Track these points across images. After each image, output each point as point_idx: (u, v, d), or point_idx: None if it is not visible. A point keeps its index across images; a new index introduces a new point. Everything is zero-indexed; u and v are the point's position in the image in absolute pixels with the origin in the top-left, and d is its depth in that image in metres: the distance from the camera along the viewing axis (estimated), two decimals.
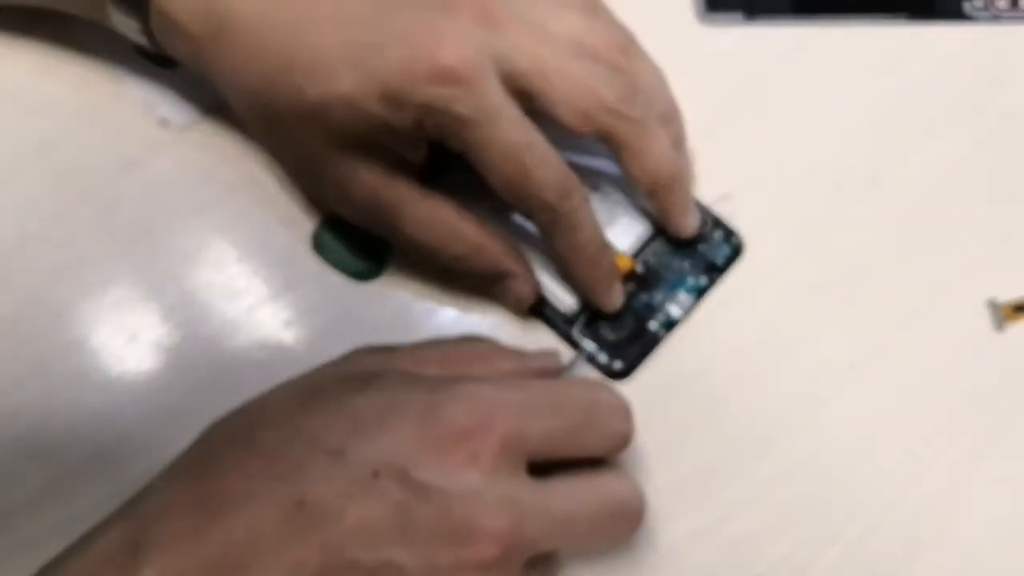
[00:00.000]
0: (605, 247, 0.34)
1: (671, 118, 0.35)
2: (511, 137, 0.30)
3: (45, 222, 0.36)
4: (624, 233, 0.36)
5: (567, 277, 0.35)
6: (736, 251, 0.36)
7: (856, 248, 0.37)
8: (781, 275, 0.36)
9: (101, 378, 0.34)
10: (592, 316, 0.35)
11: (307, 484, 0.26)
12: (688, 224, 0.35)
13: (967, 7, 0.40)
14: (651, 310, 0.35)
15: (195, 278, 0.35)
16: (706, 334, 0.35)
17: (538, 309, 0.35)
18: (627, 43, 0.34)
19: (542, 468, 0.28)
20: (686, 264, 0.36)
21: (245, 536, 0.25)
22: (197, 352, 0.34)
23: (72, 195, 0.36)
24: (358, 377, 0.29)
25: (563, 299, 0.35)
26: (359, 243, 0.35)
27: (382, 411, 0.27)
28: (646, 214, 0.36)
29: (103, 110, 0.37)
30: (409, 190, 0.32)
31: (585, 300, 0.35)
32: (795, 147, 0.38)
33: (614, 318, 0.35)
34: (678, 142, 0.35)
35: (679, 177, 0.34)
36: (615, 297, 0.34)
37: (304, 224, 0.36)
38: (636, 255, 0.36)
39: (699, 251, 0.36)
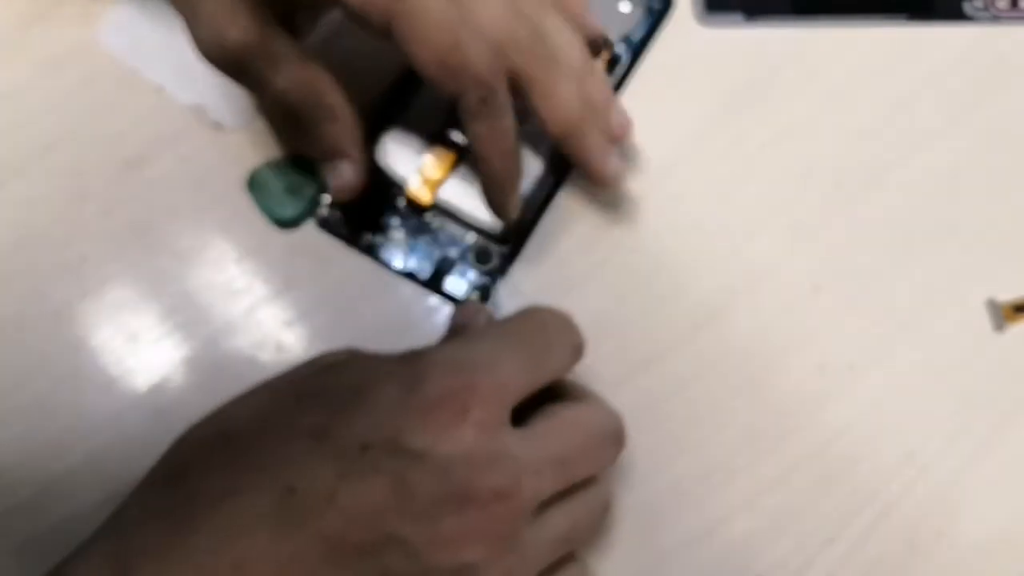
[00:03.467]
0: (517, 147, 0.33)
1: (572, 50, 0.34)
2: (444, 7, 0.29)
3: (45, 222, 0.36)
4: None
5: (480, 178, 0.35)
6: None
7: (856, 248, 0.37)
8: (781, 275, 0.36)
9: (101, 378, 0.34)
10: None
11: (293, 469, 0.25)
12: (608, 170, 0.34)
13: (967, 7, 0.40)
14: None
15: (195, 278, 0.35)
16: (706, 334, 0.35)
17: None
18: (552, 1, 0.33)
19: (517, 413, 0.28)
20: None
21: (234, 535, 0.24)
22: (197, 352, 0.34)
23: (72, 195, 0.36)
24: (327, 366, 0.28)
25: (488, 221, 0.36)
26: (291, 191, 0.35)
27: (360, 386, 0.27)
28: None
29: (103, 110, 0.37)
30: (289, 47, 0.31)
31: (490, 201, 0.34)
32: (795, 147, 0.38)
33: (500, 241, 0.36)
34: (584, 75, 0.34)
35: (589, 119, 0.33)
36: (516, 203, 0.34)
37: (304, 224, 0.36)
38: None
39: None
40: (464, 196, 0.36)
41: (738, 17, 0.40)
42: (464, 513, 0.25)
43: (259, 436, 0.26)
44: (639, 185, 0.37)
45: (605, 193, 0.37)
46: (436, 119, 0.36)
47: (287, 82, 0.31)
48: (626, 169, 0.36)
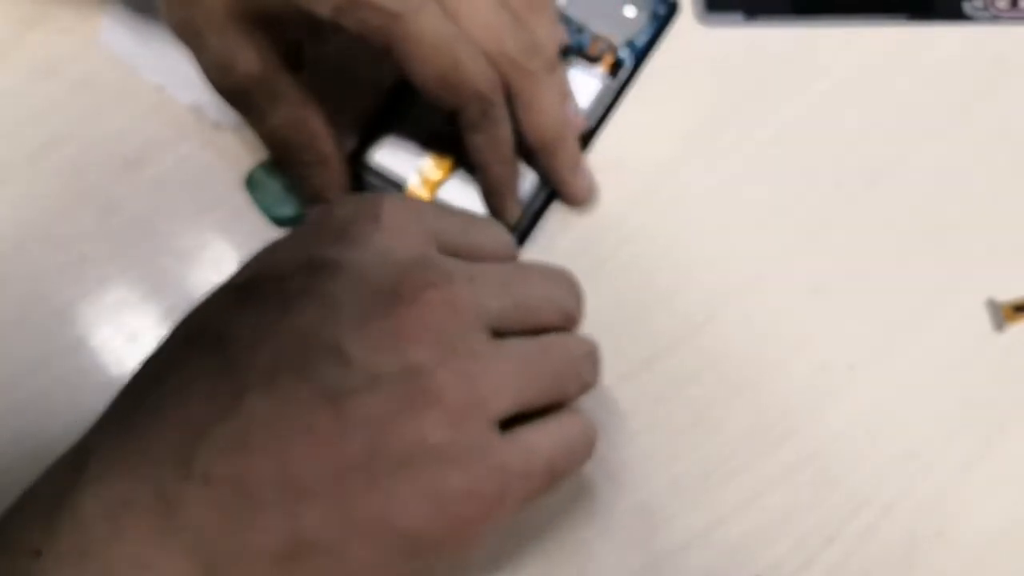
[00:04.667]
0: (515, 155, 0.34)
1: (555, 69, 0.35)
2: (441, 28, 0.30)
3: (45, 222, 0.36)
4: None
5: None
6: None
7: (856, 248, 0.37)
8: (780, 275, 0.36)
9: (101, 378, 0.34)
10: None
11: (221, 317, 0.25)
12: (579, 186, 0.36)
13: (967, 7, 0.40)
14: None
15: (195, 278, 0.35)
16: (706, 335, 0.35)
17: None
18: None
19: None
20: None
21: (169, 397, 0.24)
22: None
23: (72, 195, 0.36)
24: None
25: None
26: (291, 191, 0.36)
27: (271, 243, 0.27)
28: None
29: (103, 110, 0.37)
30: (291, 86, 0.32)
31: (490, 207, 0.35)
32: (795, 147, 0.38)
33: None
34: (564, 94, 0.36)
35: (566, 134, 0.35)
36: (516, 207, 0.35)
37: None
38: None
39: None
40: (463, 198, 0.36)
41: (738, 17, 0.40)
42: (394, 311, 0.24)
43: (200, 318, 0.26)
44: (638, 185, 0.37)
45: (602, 194, 0.37)
46: (438, 121, 0.36)
47: (281, 120, 0.32)
48: (596, 189, 0.37)
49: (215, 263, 0.36)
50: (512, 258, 0.30)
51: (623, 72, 0.38)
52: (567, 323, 0.29)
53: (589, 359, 0.29)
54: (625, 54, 0.39)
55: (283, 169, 0.35)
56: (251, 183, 0.36)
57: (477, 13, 0.31)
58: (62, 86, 0.37)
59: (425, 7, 0.30)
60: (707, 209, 0.37)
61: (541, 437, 0.26)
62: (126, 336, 0.35)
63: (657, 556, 0.32)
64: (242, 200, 0.36)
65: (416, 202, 0.27)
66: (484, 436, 0.25)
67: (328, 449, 0.23)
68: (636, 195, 0.37)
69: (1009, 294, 0.36)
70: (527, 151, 0.35)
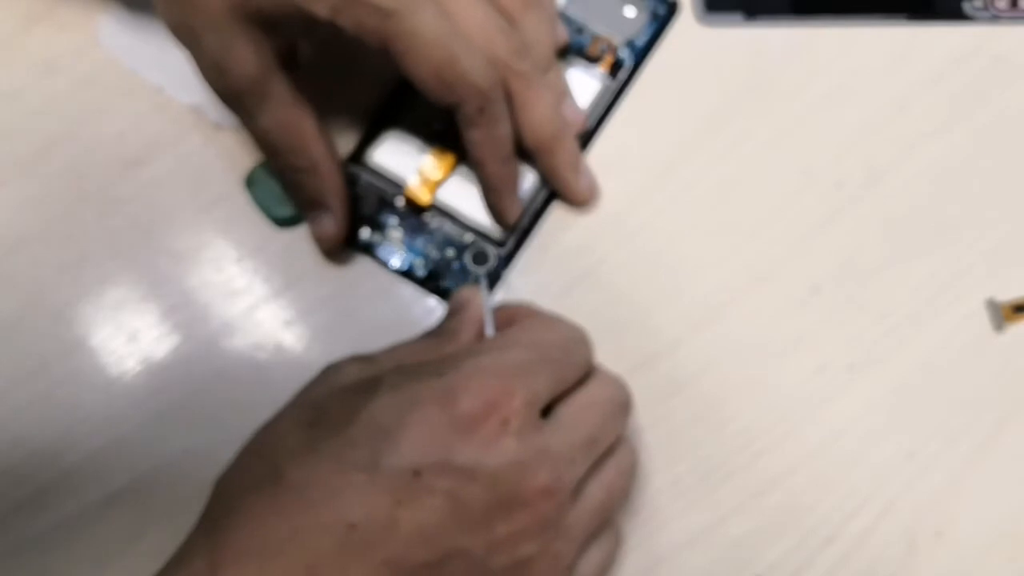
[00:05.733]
0: (514, 153, 0.34)
1: (550, 69, 0.36)
2: (436, 25, 0.30)
3: (45, 222, 0.36)
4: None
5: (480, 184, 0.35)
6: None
7: (856, 248, 0.37)
8: (780, 275, 0.36)
9: (101, 378, 0.34)
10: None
11: (352, 507, 0.25)
12: (580, 185, 0.36)
13: (967, 7, 0.40)
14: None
15: (195, 278, 0.35)
16: (706, 335, 0.35)
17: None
18: None
19: None
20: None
21: (303, 570, 0.25)
22: (197, 352, 0.34)
23: (72, 195, 0.36)
24: (357, 385, 0.28)
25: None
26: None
27: (399, 409, 0.27)
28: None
29: (103, 110, 0.37)
30: (284, 88, 0.32)
31: (490, 206, 0.35)
32: (795, 147, 0.38)
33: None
34: (561, 96, 0.36)
35: (564, 134, 0.35)
36: (515, 206, 0.35)
37: (302, 223, 0.36)
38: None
39: None
40: (463, 198, 0.36)
41: (738, 17, 0.40)
42: (516, 515, 0.27)
43: (311, 476, 0.26)
44: (638, 185, 0.37)
45: (602, 194, 0.37)
46: (438, 120, 0.36)
47: (273, 122, 0.32)
48: (597, 188, 0.37)
49: (215, 263, 0.36)
50: (590, 363, 0.31)
51: (623, 72, 0.38)
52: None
53: (633, 472, 0.31)
54: (625, 54, 0.39)
55: (275, 173, 0.35)
56: (251, 183, 0.36)
57: (469, 14, 0.32)
58: (62, 86, 0.37)
59: (421, 5, 0.30)
60: (707, 209, 0.37)
61: (589, 566, 0.30)
62: (126, 336, 0.35)
63: (657, 556, 0.32)
64: (242, 200, 0.36)
65: (532, 383, 0.28)
66: None
67: None
68: (636, 195, 0.37)
69: (1009, 294, 0.36)
70: (528, 151, 0.35)
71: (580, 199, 0.36)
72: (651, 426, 0.34)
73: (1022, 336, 0.35)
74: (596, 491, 0.29)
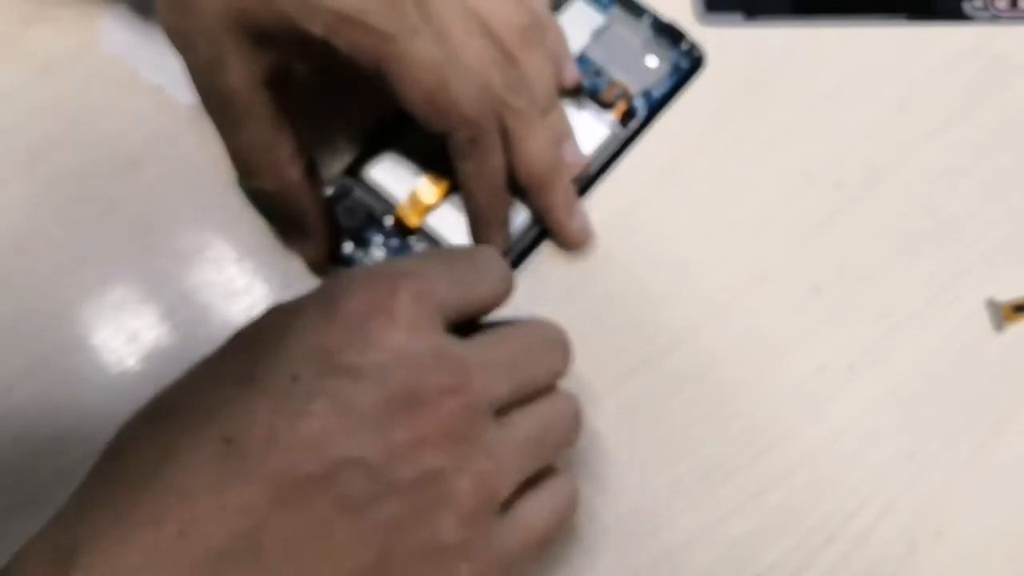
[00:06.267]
0: (505, 186, 0.34)
1: (551, 108, 0.35)
2: (433, 51, 0.30)
3: (45, 222, 0.36)
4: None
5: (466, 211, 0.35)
6: None
7: (856, 248, 0.37)
8: (780, 275, 0.36)
9: (101, 378, 0.34)
10: None
11: (224, 419, 0.24)
12: (571, 228, 0.35)
13: (967, 7, 0.40)
14: None
15: (195, 278, 0.35)
16: (706, 335, 0.35)
17: None
18: (529, 26, 0.34)
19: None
20: None
21: (175, 500, 0.23)
22: (197, 352, 0.34)
23: (72, 195, 0.36)
24: (247, 322, 0.27)
25: None
26: None
27: (281, 323, 0.25)
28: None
29: (103, 110, 0.37)
30: (267, 107, 0.31)
31: (475, 238, 0.35)
32: (795, 147, 0.38)
33: None
34: (561, 136, 0.36)
35: (559, 174, 0.35)
36: (502, 240, 0.35)
37: None
38: None
39: None
40: (452, 227, 0.36)
41: (738, 16, 0.40)
42: (414, 417, 0.24)
43: (187, 398, 0.25)
44: (638, 185, 0.37)
45: (602, 194, 0.37)
46: (437, 144, 0.35)
47: (247, 140, 0.31)
48: (591, 233, 0.36)
49: (215, 263, 0.36)
50: (510, 293, 0.29)
51: (634, 122, 0.38)
52: (555, 381, 0.29)
53: (576, 420, 0.29)
54: (639, 103, 0.38)
55: (248, 194, 0.34)
56: (242, 180, 0.36)
57: (467, 45, 0.31)
58: (62, 86, 0.37)
59: (418, 31, 0.30)
60: (707, 209, 0.37)
61: (536, 512, 0.27)
62: (126, 336, 0.35)
63: (657, 556, 0.32)
64: (242, 200, 0.36)
65: (423, 281, 0.26)
66: (491, 528, 0.25)
67: (344, 557, 0.24)
68: (636, 195, 0.37)
69: (1009, 294, 0.36)
70: (520, 188, 0.35)
71: (571, 242, 0.36)
72: (651, 426, 0.34)
73: (1022, 336, 0.35)
74: (525, 421, 0.27)
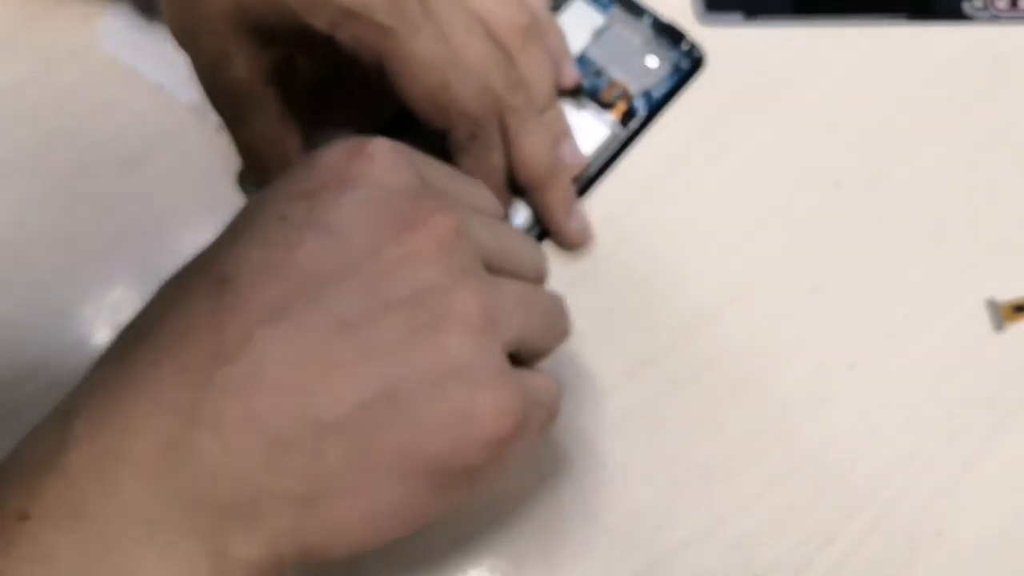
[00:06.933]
0: (506, 184, 0.34)
1: (549, 108, 0.35)
2: (434, 47, 0.30)
3: (45, 222, 0.36)
4: None
5: None
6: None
7: (856, 248, 0.37)
8: (781, 275, 0.36)
9: None
10: None
11: (219, 261, 0.24)
12: (570, 228, 0.36)
13: (967, 7, 0.40)
14: None
15: None
16: (706, 334, 0.35)
17: None
18: (529, 27, 0.34)
19: None
20: None
21: (175, 339, 0.23)
22: None
23: (72, 195, 0.36)
24: None
25: None
26: None
27: (268, 188, 0.26)
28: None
29: (103, 110, 0.37)
30: (273, 101, 0.32)
31: None
32: (795, 147, 0.38)
33: None
34: (559, 136, 0.36)
35: (557, 173, 0.35)
36: None
37: None
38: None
39: None
40: None
41: (738, 16, 0.40)
42: (404, 234, 0.24)
43: (191, 265, 0.25)
44: (638, 184, 0.37)
45: (602, 193, 0.37)
46: (436, 144, 0.35)
47: (258, 133, 0.32)
48: (590, 234, 0.36)
49: None
50: (498, 216, 0.29)
51: (634, 122, 0.38)
52: (538, 281, 0.29)
53: (564, 310, 0.29)
54: (640, 104, 0.38)
55: (256, 185, 0.34)
56: (243, 179, 0.36)
57: (468, 44, 0.32)
58: (62, 85, 0.37)
59: (420, 28, 0.30)
60: (707, 208, 0.37)
61: (537, 382, 0.26)
62: None
63: (657, 556, 0.32)
64: (242, 200, 0.36)
65: (399, 143, 0.26)
66: (503, 358, 0.24)
67: (348, 379, 0.23)
68: (636, 195, 0.37)
69: (1009, 294, 0.36)
70: (521, 187, 0.35)
71: (570, 242, 0.36)
72: (651, 426, 0.34)
73: (1022, 336, 0.35)
74: (515, 286, 0.26)
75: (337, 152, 0.25)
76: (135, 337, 0.24)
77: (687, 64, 0.38)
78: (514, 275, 0.27)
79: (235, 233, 0.25)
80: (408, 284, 0.24)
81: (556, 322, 0.28)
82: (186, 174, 0.37)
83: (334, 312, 0.23)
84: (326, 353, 0.23)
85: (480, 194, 0.29)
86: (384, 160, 0.25)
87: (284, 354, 0.23)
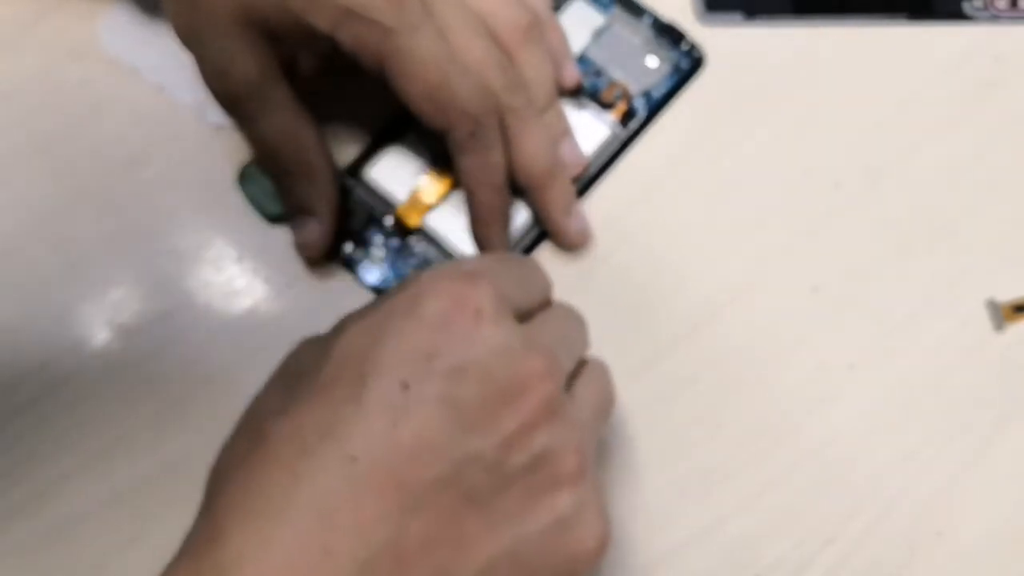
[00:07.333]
0: (506, 184, 0.34)
1: (549, 107, 0.35)
2: (434, 47, 0.30)
3: (45, 222, 0.36)
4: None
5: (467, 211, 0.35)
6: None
7: (855, 248, 0.37)
8: (780, 275, 0.36)
9: (101, 378, 0.34)
10: None
11: (347, 440, 0.24)
12: (569, 228, 0.36)
13: (967, 7, 0.40)
14: None
15: (195, 278, 0.35)
16: (706, 335, 0.35)
17: None
18: (529, 26, 0.34)
19: None
20: None
21: (316, 518, 0.23)
22: (197, 352, 0.34)
23: (72, 195, 0.36)
24: (322, 335, 0.28)
25: None
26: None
27: (369, 333, 0.26)
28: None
29: (103, 110, 0.37)
30: (285, 95, 0.32)
31: (475, 236, 0.35)
32: (795, 147, 0.38)
33: None
34: (558, 136, 0.36)
35: (556, 173, 0.35)
36: (502, 239, 0.35)
37: None
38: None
39: None
40: (452, 226, 0.35)
41: (738, 16, 0.40)
42: (519, 404, 0.25)
43: (297, 424, 0.25)
44: (638, 184, 0.37)
45: (602, 193, 0.37)
46: (437, 144, 0.35)
47: (273, 128, 0.32)
48: (589, 234, 0.36)
49: (215, 263, 0.36)
50: (551, 295, 0.30)
51: (634, 122, 0.38)
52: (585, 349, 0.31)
53: (610, 379, 0.31)
54: (640, 104, 0.38)
55: (271, 178, 0.35)
56: (243, 179, 0.36)
57: (468, 44, 0.32)
58: (63, 86, 0.37)
59: (420, 28, 0.30)
60: (707, 209, 0.37)
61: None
62: (126, 336, 0.35)
63: (657, 556, 0.32)
64: (242, 200, 0.36)
65: (494, 278, 0.27)
66: (594, 482, 0.27)
67: (480, 551, 0.25)
68: (636, 195, 0.37)
69: (1009, 294, 0.36)
70: (520, 188, 0.35)
71: (570, 242, 0.36)
72: (651, 426, 0.34)
73: (1022, 336, 0.35)
74: (585, 391, 0.28)
75: (444, 302, 0.26)
76: (271, 497, 0.24)
77: (687, 64, 0.38)
78: (579, 367, 0.29)
79: (357, 399, 0.25)
80: (526, 452, 0.25)
81: (611, 389, 0.31)
82: (186, 174, 0.37)
83: (463, 489, 0.25)
84: (457, 528, 0.24)
85: (543, 285, 0.30)
86: (491, 313, 0.26)
87: (419, 532, 0.24)
